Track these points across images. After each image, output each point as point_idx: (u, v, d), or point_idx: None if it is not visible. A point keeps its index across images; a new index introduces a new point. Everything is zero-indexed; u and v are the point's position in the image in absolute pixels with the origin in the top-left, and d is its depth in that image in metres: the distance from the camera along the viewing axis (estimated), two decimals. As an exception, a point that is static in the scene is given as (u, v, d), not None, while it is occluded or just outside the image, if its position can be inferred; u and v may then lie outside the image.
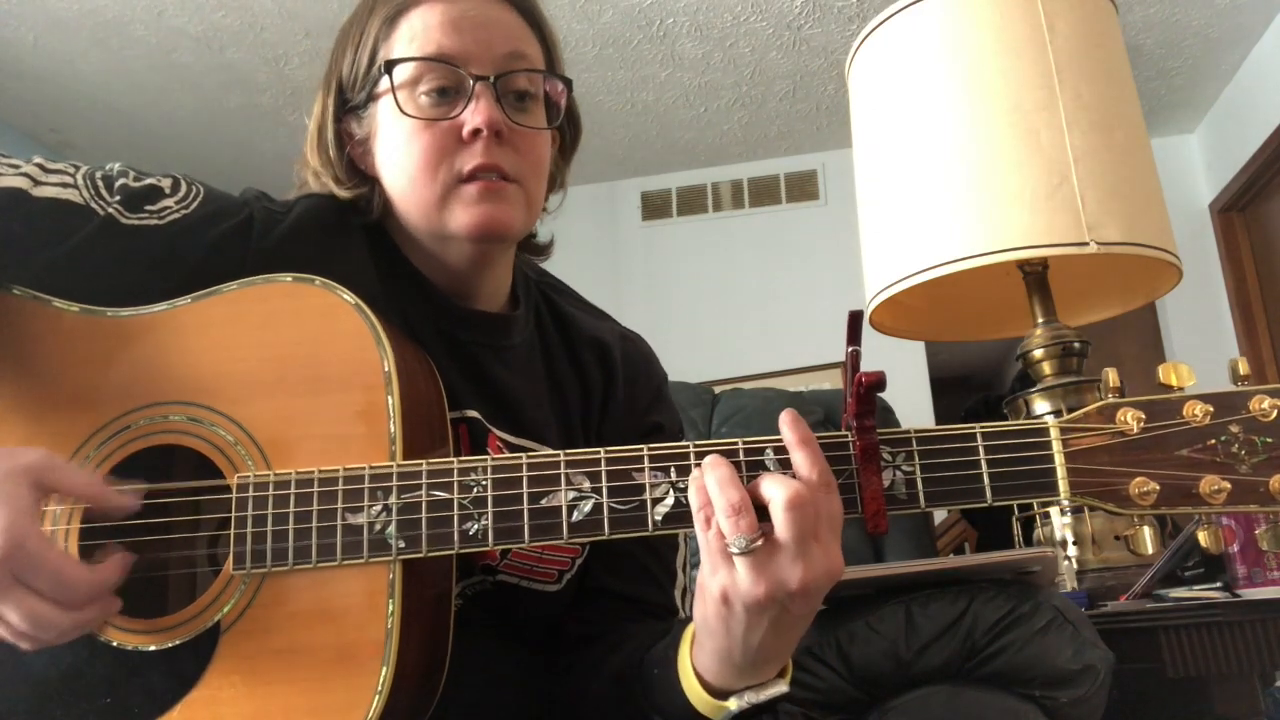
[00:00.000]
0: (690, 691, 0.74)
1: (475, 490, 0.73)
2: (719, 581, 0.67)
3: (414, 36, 0.88)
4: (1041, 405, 1.57)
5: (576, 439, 0.97)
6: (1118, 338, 4.20)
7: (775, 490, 0.66)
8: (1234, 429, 0.68)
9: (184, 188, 0.86)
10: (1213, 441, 0.68)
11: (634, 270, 4.53)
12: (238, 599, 0.73)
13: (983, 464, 0.71)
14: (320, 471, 0.74)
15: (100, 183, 0.83)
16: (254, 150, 4.11)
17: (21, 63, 3.52)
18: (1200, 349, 3.92)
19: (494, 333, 0.94)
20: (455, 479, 0.74)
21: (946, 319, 1.87)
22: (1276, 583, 1.29)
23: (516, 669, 0.93)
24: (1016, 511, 1.65)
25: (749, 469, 0.70)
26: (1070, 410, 0.71)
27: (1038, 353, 1.59)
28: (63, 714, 0.73)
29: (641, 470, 0.72)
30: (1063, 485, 0.70)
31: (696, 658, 0.74)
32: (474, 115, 0.85)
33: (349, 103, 0.92)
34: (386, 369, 0.76)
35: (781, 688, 0.73)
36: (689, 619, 0.75)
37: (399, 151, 0.88)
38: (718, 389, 2.26)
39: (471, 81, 0.86)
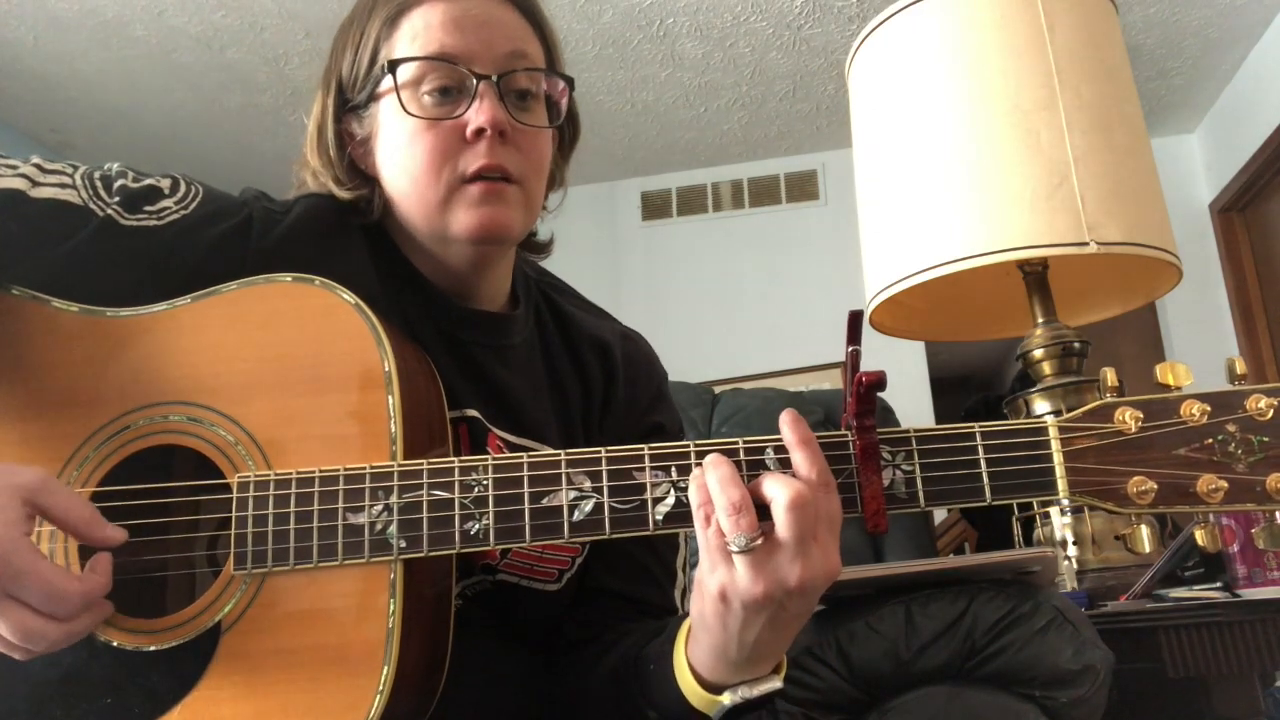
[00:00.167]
0: (685, 686, 0.74)
1: (476, 490, 0.73)
2: (717, 579, 0.67)
3: (416, 36, 0.88)
4: (1041, 405, 1.57)
5: (577, 438, 0.97)
6: (1118, 338, 4.20)
7: (777, 490, 0.66)
8: (1231, 428, 0.69)
9: (183, 188, 0.86)
10: (1210, 441, 0.69)
11: (634, 270, 4.53)
12: (238, 599, 0.73)
13: (982, 463, 0.71)
14: (321, 471, 0.74)
15: (99, 183, 0.83)
16: (254, 150, 4.11)
17: (21, 63, 3.53)
18: (1200, 349, 3.92)
19: (494, 332, 0.94)
20: (456, 479, 0.74)
21: (946, 319, 1.87)
22: (1276, 583, 1.29)
23: (516, 668, 0.93)
24: (1016, 511, 1.66)
25: (749, 468, 0.71)
26: (1070, 410, 0.71)
27: (1038, 353, 1.59)
28: (63, 714, 0.73)
29: (642, 470, 0.73)
30: (1061, 484, 0.70)
31: (692, 652, 0.74)
32: (478, 115, 0.85)
33: (349, 102, 0.92)
34: (387, 369, 0.76)
35: (776, 683, 0.73)
36: (686, 615, 0.75)
37: (401, 151, 0.88)
38: (718, 389, 2.27)
39: (474, 81, 0.86)
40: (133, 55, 3.53)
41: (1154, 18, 3.55)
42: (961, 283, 1.62)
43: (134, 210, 0.82)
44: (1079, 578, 1.49)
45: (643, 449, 0.73)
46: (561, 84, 0.93)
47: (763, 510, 0.67)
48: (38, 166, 0.82)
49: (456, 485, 0.74)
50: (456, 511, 0.73)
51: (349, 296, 0.78)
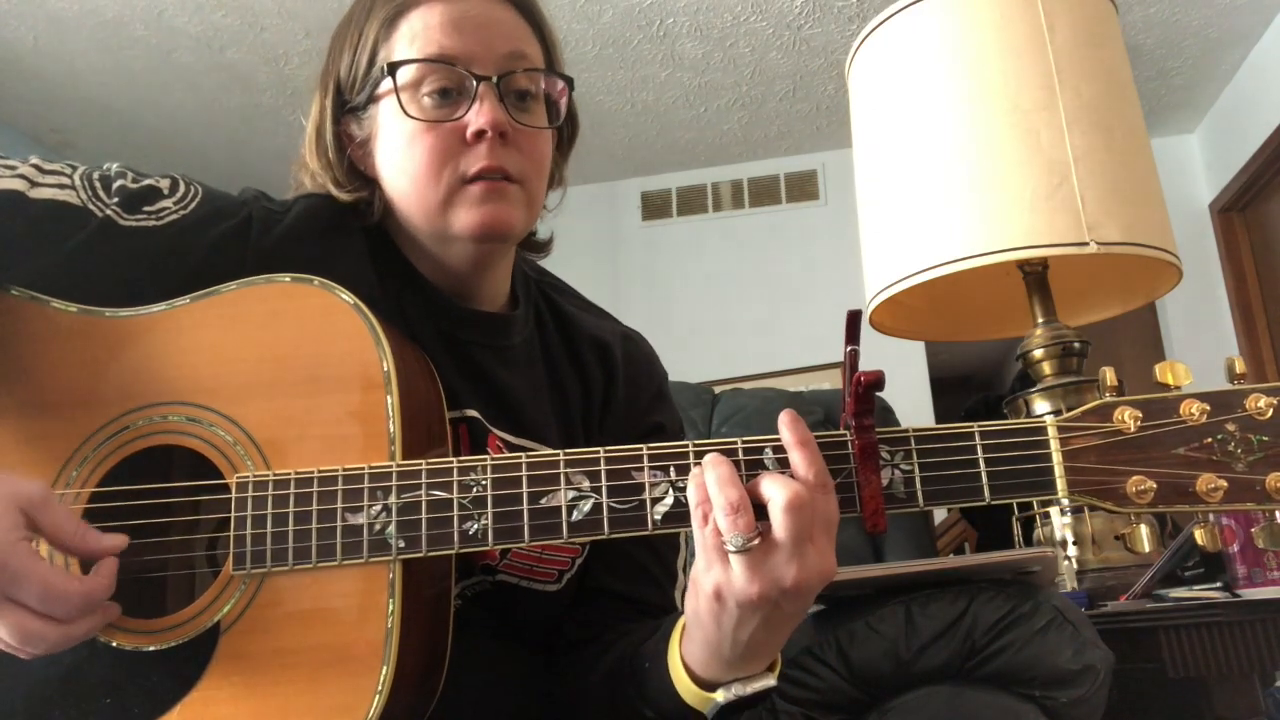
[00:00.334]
0: (679, 683, 0.75)
1: (475, 490, 0.73)
2: (713, 578, 0.67)
3: (414, 37, 0.87)
4: (1041, 405, 1.57)
5: (577, 438, 0.97)
6: (1118, 338, 4.20)
7: (775, 490, 0.66)
8: (1230, 427, 0.68)
9: (182, 188, 0.86)
10: (1209, 440, 0.69)
11: (634, 270, 4.52)
12: (237, 599, 0.73)
13: (981, 463, 0.71)
14: (320, 471, 0.74)
15: (98, 184, 0.83)
16: (254, 150, 4.11)
17: (21, 63, 3.53)
18: (1200, 349, 3.92)
19: (494, 332, 0.94)
20: (455, 479, 0.74)
21: (946, 319, 1.87)
22: (1276, 583, 1.29)
23: (516, 669, 0.93)
24: (1016, 511, 1.66)
25: (748, 468, 0.71)
26: (1070, 410, 0.71)
27: (1038, 353, 1.59)
28: (62, 715, 0.73)
29: (641, 470, 0.73)
30: (1060, 484, 0.70)
31: (686, 650, 0.74)
32: (478, 116, 0.85)
33: (348, 104, 0.91)
34: (386, 369, 0.76)
35: (769, 681, 0.73)
36: (681, 613, 0.75)
37: (402, 153, 0.88)
38: (718, 389, 2.26)
39: (474, 82, 0.86)
40: (133, 55, 3.53)
41: (1154, 18, 3.55)
42: (961, 283, 1.62)
43: (133, 211, 0.82)
44: (1079, 578, 1.49)
45: (641, 449, 0.73)
46: (561, 84, 0.93)
47: (760, 510, 0.67)
48: (36, 167, 0.82)
49: (455, 485, 0.74)
50: (455, 512, 0.73)
51: (348, 297, 0.78)
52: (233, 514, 0.74)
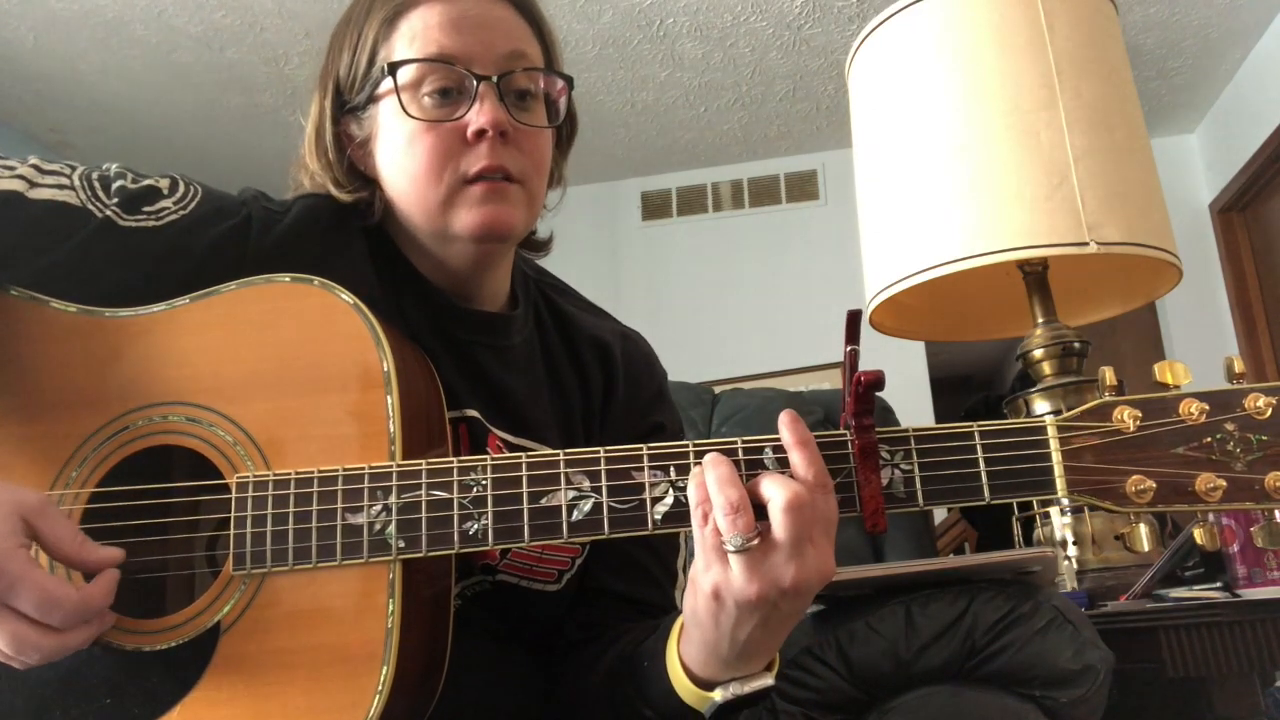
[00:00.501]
0: (677, 682, 0.75)
1: (475, 490, 0.73)
2: (712, 578, 0.67)
3: (414, 37, 0.87)
4: (1041, 405, 1.57)
5: (577, 438, 0.97)
6: (1118, 338, 4.20)
7: (775, 491, 0.66)
8: (1229, 427, 0.68)
9: (181, 188, 0.86)
10: (1208, 439, 0.69)
11: (634, 270, 4.53)
12: (237, 599, 0.73)
13: (980, 462, 0.71)
14: (320, 471, 0.74)
15: (97, 184, 0.83)
16: (254, 150, 4.11)
17: (21, 63, 3.53)
18: (1200, 349, 3.92)
19: (493, 332, 0.94)
20: (455, 479, 0.74)
21: (946, 319, 1.87)
22: (1276, 583, 1.29)
23: (516, 669, 0.93)
24: (1016, 511, 1.65)
25: (748, 468, 0.71)
26: (1069, 410, 0.71)
27: (1038, 353, 1.58)
28: (62, 715, 0.73)
29: (641, 469, 0.73)
30: (1060, 483, 0.70)
31: (684, 649, 0.74)
32: (478, 116, 0.85)
33: (347, 104, 0.91)
34: (386, 369, 0.76)
35: (767, 680, 0.73)
36: (679, 612, 0.75)
37: (402, 153, 0.88)
38: (718, 389, 2.26)
39: (474, 82, 0.86)
40: (133, 55, 3.53)
41: (1154, 18, 3.55)
42: (961, 283, 1.62)
43: (132, 211, 0.82)
44: (1079, 578, 1.49)
45: (641, 449, 0.73)
46: (560, 83, 0.93)
47: (759, 510, 0.67)
48: (36, 167, 0.82)
49: (455, 485, 0.73)
50: (455, 512, 0.73)
51: (348, 297, 0.78)
52: (233, 514, 0.74)
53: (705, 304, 4.38)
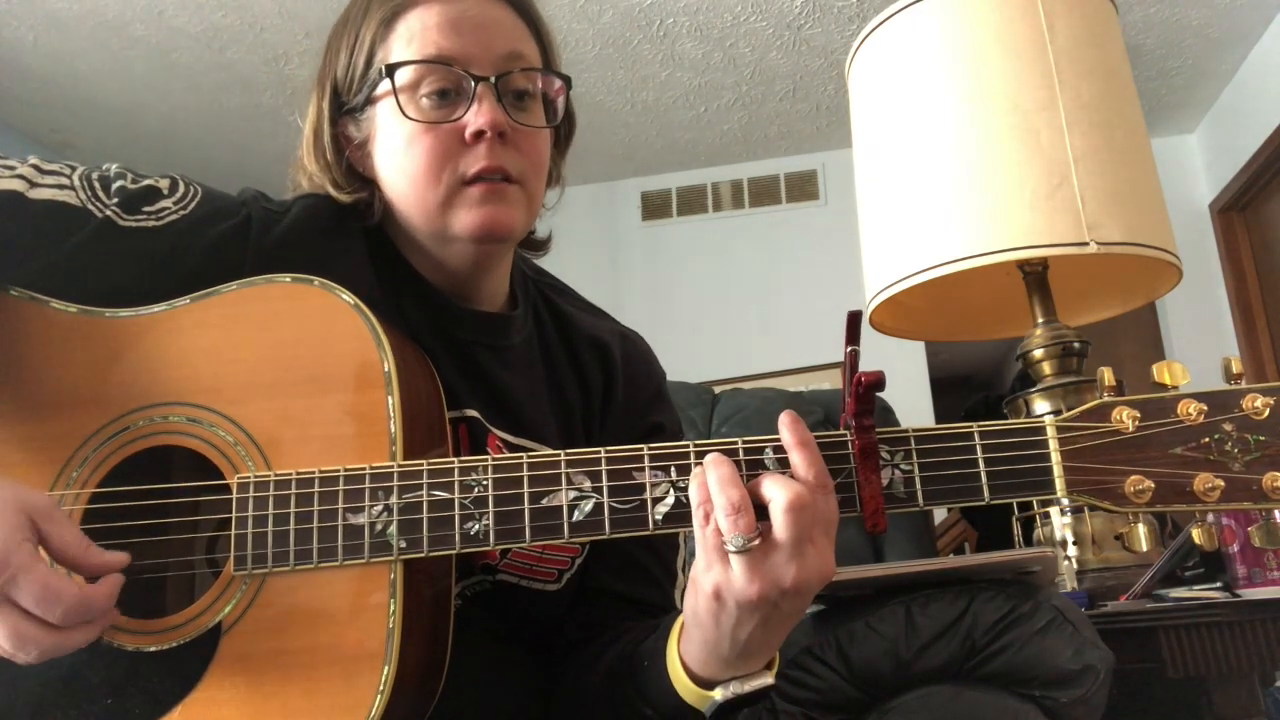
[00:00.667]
0: (677, 681, 0.75)
1: (476, 490, 0.73)
2: (713, 578, 0.67)
3: (412, 38, 0.87)
4: (1041, 405, 1.57)
5: (576, 438, 0.97)
6: (1118, 338, 4.20)
7: (776, 491, 0.66)
8: (1227, 427, 0.69)
9: (181, 188, 0.86)
10: (1206, 440, 0.69)
11: (634, 270, 4.53)
12: (238, 600, 0.73)
13: (980, 463, 0.71)
14: (321, 472, 0.74)
15: (97, 184, 0.83)
16: (254, 150, 4.11)
17: (21, 63, 3.53)
18: (1200, 349, 3.92)
19: (493, 332, 0.94)
20: (456, 479, 0.74)
21: (946, 319, 1.87)
22: (1276, 583, 1.29)
23: (516, 669, 0.93)
24: (1016, 511, 1.66)
25: (748, 468, 0.71)
26: (1069, 410, 0.72)
27: (1038, 353, 1.59)
28: (62, 715, 0.73)
29: (642, 470, 0.73)
30: (1059, 483, 0.70)
31: (684, 648, 0.74)
32: (477, 117, 0.85)
33: (345, 105, 0.91)
34: (386, 369, 0.76)
35: (767, 679, 0.73)
36: (679, 611, 0.75)
37: (401, 154, 0.88)
38: (718, 389, 2.26)
39: (472, 83, 0.86)
40: (133, 55, 3.53)
41: (1154, 18, 3.55)
42: (961, 283, 1.62)
43: (133, 211, 0.82)
44: (1079, 578, 1.49)
45: (642, 449, 0.73)
46: (558, 83, 0.93)
47: (760, 510, 0.67)
48: (35, 167, 0.82)
49: (456, 485, 0.74)
50: (456, 512, 0.73)
51: (348, 297, 0.78)
52: (234, 514, 0.74)
53: (705, 304, 4.38)
